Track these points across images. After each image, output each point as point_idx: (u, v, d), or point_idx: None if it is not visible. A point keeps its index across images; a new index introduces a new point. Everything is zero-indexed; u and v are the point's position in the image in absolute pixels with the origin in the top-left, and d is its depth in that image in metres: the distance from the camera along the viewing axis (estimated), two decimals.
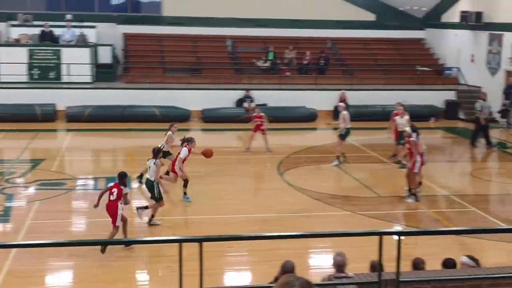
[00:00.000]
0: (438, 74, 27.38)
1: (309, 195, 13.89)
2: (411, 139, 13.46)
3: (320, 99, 24.30)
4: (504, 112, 22.04)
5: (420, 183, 13.63)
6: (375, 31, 28.88)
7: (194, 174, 13.50)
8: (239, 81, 25.23)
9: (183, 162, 13.04)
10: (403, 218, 12.84)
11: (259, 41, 27.80)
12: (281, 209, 12.87)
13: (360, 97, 24.23)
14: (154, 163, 11.56)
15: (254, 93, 24.04)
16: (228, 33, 27.75)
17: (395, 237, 5.64)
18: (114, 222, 10.34)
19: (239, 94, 24.10)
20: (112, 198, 10.38)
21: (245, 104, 23.47)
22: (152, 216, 11.66)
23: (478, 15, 24.54)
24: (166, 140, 14.10)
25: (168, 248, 9.64)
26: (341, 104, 15.23)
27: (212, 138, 21.02)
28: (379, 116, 23.82)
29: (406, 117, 16.43)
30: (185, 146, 13.09)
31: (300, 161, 17.30)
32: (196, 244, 4.88)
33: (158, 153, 11.85)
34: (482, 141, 19.49)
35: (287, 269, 6.86)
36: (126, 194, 10.54)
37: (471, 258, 7.36)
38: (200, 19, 27.37)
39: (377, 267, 5.87)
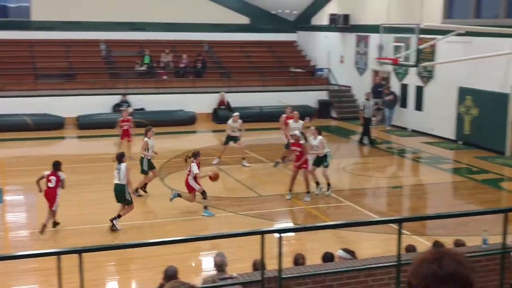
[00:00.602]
0: (310, 75, 28.38)
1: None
2: (302, 142, 13.88)
3: (198, 102, 24.40)
4: (375, 111, 23.19)
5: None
6: (250, 34, 29.48)
7: (70, 183, 13.05)
8: (115, 86, 24.74)
9: (196, 177, 12.63)
10: (284, 216, 13.18)
11: (134, 44, 27.39)
12: (163, 214, 12.78)
13: (238, 99, 24.62)
14: (123, 168, 11.65)
15: (131, 98, 23.67)
16: (102, 37, 27.11)
17: (276, 235, 5.79)
18: (51, 206, 11.36)
19: (116, 99, 23.63)
20: (50, 185, 11.34)
21: (122, 109, 23.02)
22: (118, 216, 11.65)
23: (346, 17, 25.71)
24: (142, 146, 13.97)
25: (46, 261, 9.25)
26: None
27: (89, 145, 20.45)
28: (257, 117, 24.36)
29: (301, 122, 16.72)
30: (193, 162, 12.67)
31: (181, 165, 17.24)
32: (76, 256, 4.74)
33: (121, 157, 11.86)
34: (366, 138, 20.31)
35: (170, 274, 6.83)
36: (64, 179, 11.49)
37: (347, 251, 7.70)
38: (72, 23, 26.53)
39: (259, 265, 5.99)
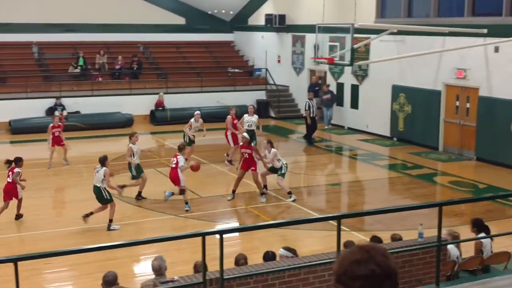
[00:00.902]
0: (248, 75, 28.48)
1: (130, 202, 13.69)
2: (252, 144, 13.92)
3: (135, 104, 24.08)
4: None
5: (265, 186, 14.03)
6: (186, 35, 29.33)
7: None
8: (49, 89, 24.14)
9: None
10: (225, 216, 13.16)
11: (68, 46, 26.80)
12: (100, 220, 12.53)
13: (176, 100, 24.46)
14: (101, 172, 11.95)
15: (66, 101, 23.14)
16: (33, 39, 26.39)
17: (217, 236, 5.77)
18: (7, 199, 12.16)
19: (50, 102, 23.04)
20: (9, 180, 12.23)
21: (57, 113, 22.47)
22: (110, 220, 11.93)
23: (282, 17, 25.93)
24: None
25: None
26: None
27: (22, 150, 19.84)
28: None
29: (256, 116, 17.38)
30: (178, 154, 13.06)
31: (119, 168, 16.97)
32: (11, 264, 4.59)
33: (104, 160, 12.13)
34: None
35: (109, 280, 6.71)
36: (19, 173, 12.28)
37: (288, 249, 7.76)
38: (1, 25, 25.69)
39: (201, 267, 5.96)
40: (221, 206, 13.60)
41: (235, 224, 12.72)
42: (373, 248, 2.32)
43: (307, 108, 20.21)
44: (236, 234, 11.38)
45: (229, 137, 17.46)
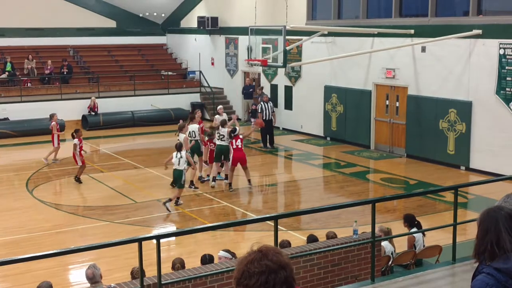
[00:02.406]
0: (182, 77, 28.34)
1: (63, 210, 13.38)
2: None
3: (66, 109, 23.50)
4: (254, 112, 23.31)
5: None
6: (117, 38, 28.92)
7: None
8: None
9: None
10: (161, 221, 13.04)
11: None
12: (33, 228, 12.19)
13: (109, 104, 24.07)
14: (184, 156, 13.22)
15: None
16: None
17: (154, 240, 5.72)
18: None
19: None
20: None
21: None
22: (170, 200, 13.13)
23: (214, 20, 25.92)
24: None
25: None
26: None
27: None
28: (130, 122, 23.96)
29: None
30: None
31: (51, 176, 16.59)
32: None
33: (181, 146, 13.37)
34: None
35: None
36: None
37: (227, 250, 7.77)
38: None
39: (138, 273, 5.89)
40: (157, 211, 13.46)
41: (172, 228, 12.62)
42: (265, 248, 2.50)
43: (259, 111, 20.19)
44: (173, 238, 11.31)
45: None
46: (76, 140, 15.66)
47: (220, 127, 14.90)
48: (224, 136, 14.71)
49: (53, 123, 18.01)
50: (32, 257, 6.17)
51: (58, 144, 17.93)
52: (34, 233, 11.88)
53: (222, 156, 14.87)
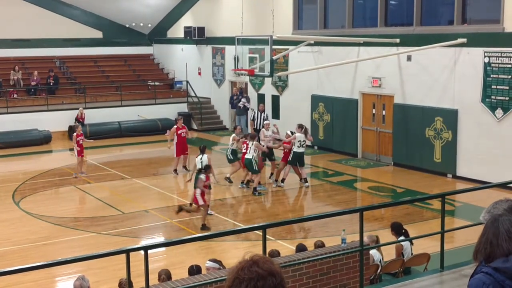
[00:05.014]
0: (169, 87, 28.31)
1: (50, 222, 13.28)
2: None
3: (53, 120, 23.40)
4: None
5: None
6: (103, 48, 28.86)
7: None
8: None
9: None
10: (149, 231, 12.98)
11: None
12: (19, 241, 12.08)
13: (96, 115, 23.97)
14: (251, 146, 15.04)
15: None
16: None
17: (142, 251, 5.69)
18: None
19: None
20: None
21: None
22: (255, 188, 15.15)
23: (201, 30, 25.96)
24: None
25: None
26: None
27: None
28: (117, 133, 23.88)
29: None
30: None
31: (37, 187, 16.46)
32: None
33: (254, 137, 15.45)
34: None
35: None
36: None
37: (215, 261, 7.74)
38: None
39: (126, 285, 5.85)
40: (144, 222, 13.41)
41: (160, 239, 12.56)
42: (256, 256, 2.56)
43: (252, 119, 20.23)
44: (162, 249, 11.25)
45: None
46: (74, 134, 17.30)
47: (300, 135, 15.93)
48: (305, 142, 15.94)
49: (74, 134, 17.70)
50: (19, 269, 6.11)
51: (80, 154, 17.42)
52: (21, 245, 11.78)
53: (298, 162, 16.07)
